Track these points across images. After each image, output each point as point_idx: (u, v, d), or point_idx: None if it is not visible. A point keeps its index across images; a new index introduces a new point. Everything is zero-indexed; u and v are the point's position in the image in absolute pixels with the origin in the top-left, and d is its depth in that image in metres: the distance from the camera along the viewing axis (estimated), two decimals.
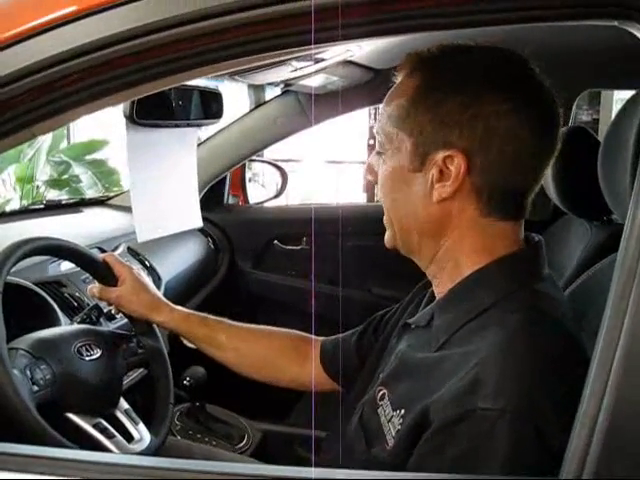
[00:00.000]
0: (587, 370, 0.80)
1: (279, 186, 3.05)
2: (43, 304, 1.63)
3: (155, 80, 0.91)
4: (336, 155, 6.25)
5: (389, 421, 1.04)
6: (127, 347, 1.52)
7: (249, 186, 3.09)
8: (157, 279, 2.17)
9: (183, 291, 2.37)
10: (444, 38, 1.08)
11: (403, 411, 1.02)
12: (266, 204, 3.10)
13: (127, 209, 2.35)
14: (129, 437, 1.42)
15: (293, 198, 4.31)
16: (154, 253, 2.24)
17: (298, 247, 2.84)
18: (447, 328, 1.06)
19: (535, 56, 1.08)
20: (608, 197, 1.10)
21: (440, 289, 1.13)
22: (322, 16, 0.79)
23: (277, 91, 2.75)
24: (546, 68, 1.07)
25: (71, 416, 1.34)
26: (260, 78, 2.05)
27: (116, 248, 2.13)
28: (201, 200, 1.90)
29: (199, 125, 1.91)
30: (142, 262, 2.17)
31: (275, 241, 2.86)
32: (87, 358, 1.40)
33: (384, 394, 1.10)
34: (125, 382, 1.56)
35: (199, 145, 2.22)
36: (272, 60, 1.49)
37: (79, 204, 2.73)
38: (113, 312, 1.61)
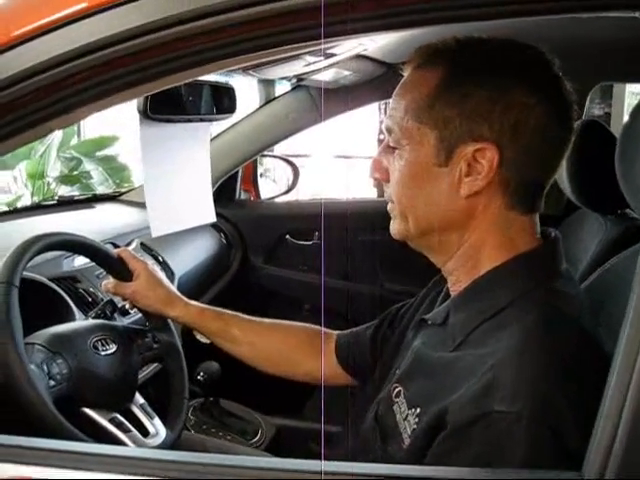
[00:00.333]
0: (604, 368, 0.79)
1: (290, 181, 3.04)
2: (58, 299, 1.63)
3: (167, 76, 0.91)
4: (346, 150, 6.23)
5: (405, 419, 1.04)
6: (142, 342, 1.53)
7: (261, 181, 3.09)
8: (170, 274, 2.18)
9: (196, 286, 2.37)
10: (455, 32, 1.07)
11: (419, 410, 1.01)
12: (277, 199, 3.10)
13: (139, 205, 2.37)
14: (145, 432, 1.43)
15: (303, 193, 4.30)
16: (167, 248, 2.25)
17: (310, 242, 2.84)
18: (463, 327, 1.05)
19: (547, 49, 1.08)
20: (626, 191, 1.09)
21: (456, 286, 1.12)
22: (332, 10, 0.79)
23: (286, 86, 2.74)
24: (559, 61, 1.07)
25: (87, 411, 1.35)
26: (273, 73, 2.04)
27: (129, 244, 2.13)
28: (213, 195, 1.89)
29: (212, 120, 1.91)
30: (155, 257, 2.17)
31: (287, 236, 2.86)
32: (103, 353, 1.40)
33: (400, 391, 1.10)
34: (140, 377, 1.56)
35: (211, 140, 2.21)
36: (285, 55, 1.49)
37: (91, 200, 2.73)
38: (127, 307, 1.61)
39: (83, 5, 0.86)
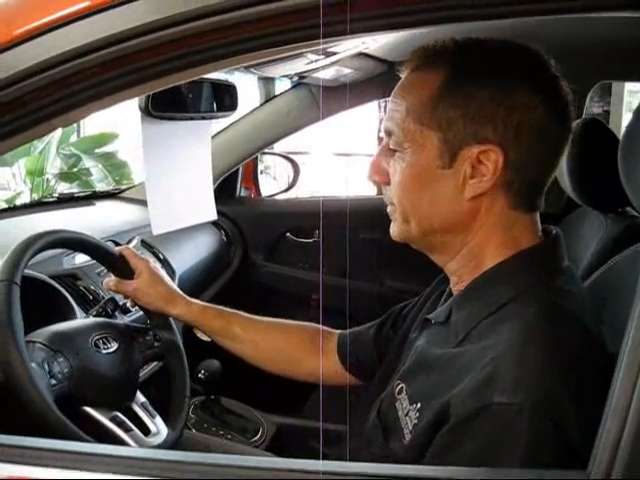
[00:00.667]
0: (605, 365, 0.80)
1: (291, 179, 3.05)
2: (58, 297, 1.63)
3: (168, 76, 0.91)
4: (346, 148, 6.23)
5: (406, 415, 1.04)
6: (143, 340, 1.52)
7: (261, 179, 3.10)
8: (171, 272, 2.17)
9: (196, 284, 2.37)
10: (454, 31, 1.07)
11: (419, 405, 1.02)
12: (278, 197, 3.10)
13: (140, 202, 2.37)
14: (146, 430, 1.43)
15: (303, 191, 4.30)
16: (167, 246, 2.24)
17: (310, 240, 2.84)
18: (465, 324, 1.05)
19: (547, 49, 1.08)
20: (629, 190, 1.09)
21: (459, 285, 1.13)
22: (333, 10, 0.79)
23: (287, 84, 2.74)
24: (559, 61, 1.07)
25: (88, 409, 1.35)
26: (275, 70, 2.04)
27: (130, 241, 2.12)
28: (214, 193, 1.89)
29: (213, 117, 1.90)
30: (156, 255, 2.17)
31: (287, 233, 2.85)
32: (104, 351, 1.40)
33: (402, 388, 1.10)
34: (141, 375, 1.56)
35: (211, 138, 2.21)
36: (289, 54, 1.49)
37: (91, 197, 2.73)
38: (129, 305, 1.61)
39: (85, 4, 0.86)
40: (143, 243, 2.16)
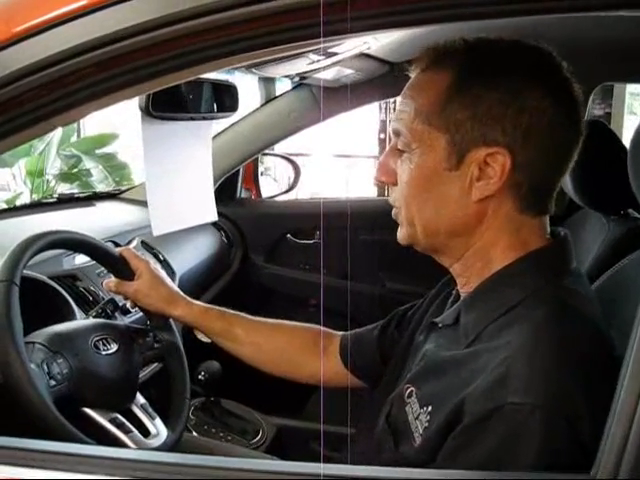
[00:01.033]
0: (616, 366, 0.79)
1: (291, 180, 3.04)
2: (58, 298, 1.62)
3: (167, 75, 0.91)
4: (346, 149, 6.24)
5: (416, 418, 1.03)
6: (143, 341, 1.52)
7: (262, 180, 3.09)
8: (171, 273, 2.17)
9: (196, 285, 2.36)
10: (458, 31, 1.06)
11: (430, 408, 1.01)
12: (278, 198, 3.09)
13: (140, 203, 2.36)
14: (146, 432, 1.42)
15: (304, 192, 4.30)
16: (168, 247, 2.24)
17: (311, 241, 2.84)
18: (475, 326, 1.04)
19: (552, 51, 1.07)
20: (638, 190, 1.08)
21: (466, 287, 1.12)
22: (334, 9, 0.78)
23: (287, 84, 2.74)
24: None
25: (88, 411, 1.34)
26: (276, 71, 2.04)
27: (130, 242, 2.12)
28: (214, 194, 1.89)
29: (214, 118, 1.90)
30: (156, 256, 2.16)
31: (288, 235, 2.85)
32: (104, 352, 1.39)
33: (412, 391, 1.09)
34: (141, 376, 1.55)
35: (212, 139, 2.21)
36: (288, 53, 1.48)
37: (91, 198, 2.72)
38: (129, 306, 1.60)
39: (83, 2, 0.85)
40: (143, 244, 2.15)
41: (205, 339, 1.59)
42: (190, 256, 2.41)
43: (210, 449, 1.77)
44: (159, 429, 1.45)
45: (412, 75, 1.11)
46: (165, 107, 1.62)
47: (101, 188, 5.28)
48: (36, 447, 0.93)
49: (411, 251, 1.15)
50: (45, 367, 1.28)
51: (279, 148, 3.38)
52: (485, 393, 0.91)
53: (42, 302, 1.53)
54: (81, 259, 1.84)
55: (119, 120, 6.12)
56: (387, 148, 1.14)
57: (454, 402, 0.95)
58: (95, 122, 6.55)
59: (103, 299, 1.71)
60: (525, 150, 1.01)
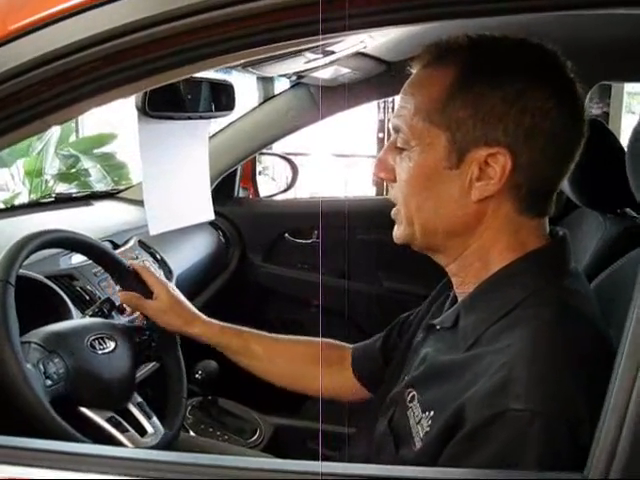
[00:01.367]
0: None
1: (289, 179, 3.04)
2: (55, 297, 1.62)
3: (164, 72, 0.90)
4: (344, 148, 6.23)
5: (418, 423, 1.02)
6: (140, 340, 1.52)
7: (259, 179, 3.09)
8: (168, 272, 2.17)
9: (194, 284, 2.37)
10: (455, 29, 1.06)
11: (432, 413, 1.00)
12: (276, 197, 3.09)
13: (137, 202, 2.36)
14: (143, 431, 1.42)
15: (302, 192, 4.30)
16: (165, 246, 2.24)
17: (309, 240, 2.83)
18: (474, 328, 1.03)
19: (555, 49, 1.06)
20: (636, 189, 1.08)
21: (463, 288, 1.11)
22: (333, 5, 0.78)
23: (285, 83, 2.74)
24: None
25: (84, 410, 1.34)
26: (273, 70, 2.03)
27: (127, 241, 2.12)
28: (212, 193, 1.89)
29: (211, 117, 1.89)
30: (153, 255, 2.16)
31: (286, 234, 2.85)
32: (100, 352, 1.39)
33: (413, 396, 1.08)
34: (138, 375, 1.56)
35: (210, 138, 2.20)
36: (285, 51, 1.48)
37: (89, 197, 2.72)
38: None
39: (77, 0, 0.85)
40: (140, 243, 2.15)
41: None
42: (188, 255, 2.41)
43: (207, 448, 1.77)
44: (156, 428, 1.45)
45: (413, 71, 1.09)
46: (162, 106, 1.61)
47: (100, 188, 5.27)
48: (33, 446, 0.93)
49: (409, 250, 1.14)
50: (41, 367, 1.27)
51: (277, 148, 3.38)
52: (486, 398, 0.90)
53: (39, 301, 1.53)
54: (78, 258, 1.84)
55: (117, 120, 6.12)
56: (386, 144, 1.12)
57: (454, 407, 0.94)
58: (93, 122, 6.55)
59: (100, 298, 1.70)
60: (527, 151, 1.00)
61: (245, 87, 3.29)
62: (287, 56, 1.76)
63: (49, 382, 1.27)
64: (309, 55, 1.84)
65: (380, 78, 2.45)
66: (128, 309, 1.66)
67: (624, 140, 1.28)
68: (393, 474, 0.90)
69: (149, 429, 1.43)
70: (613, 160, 1.36)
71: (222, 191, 2.78)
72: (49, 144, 5.54)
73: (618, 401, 0.73)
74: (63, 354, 1.32)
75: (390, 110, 5.08)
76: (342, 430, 1.43)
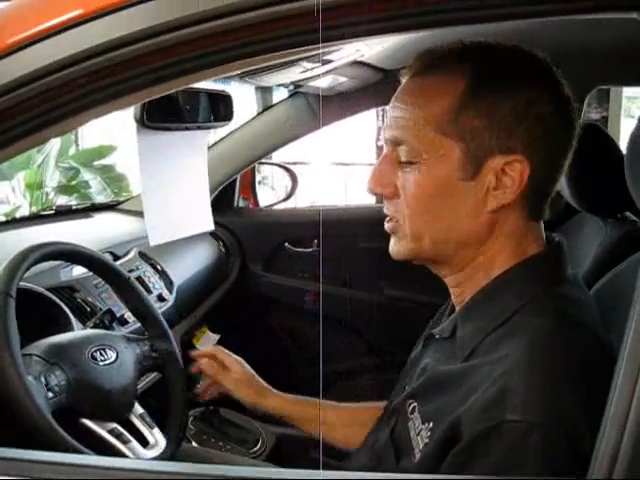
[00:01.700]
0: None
1: (289, 189, 3.04)
2: (55, 309, 1.62)
3: (162, 83, 0.90)
4: (343, 157, 6.24)
5: (418, 434, 1.02)
6: (141, 351, 1.52)
7: (259, 189, 3.09)
8: (169, 283, 2.17)
9: (195, 295, 2.36)
10: (452, 36, 1.06)
11: (431, 424, 0.99)
12: (276, 207, 3.09)
13: (137, 214, 2.36)
14: (144, 442, 1.42)
15: (302, 201, 4.30)
16: (165, 257, 2.24)
17: (309, 249, 2.83)
18: (471, 338, 1.03)
19: (547, 54, 1.07)
20: (636, 194, 1.08)
21: (461, 297, 1.10)
22: (330, 14, 0.78)
23: (284, 93, 2.74)
24: (558, 65, 1.06)
25: (86, 422, 1.34)
26: (270, 79, 2.03)
27: (127, 252, 2.12)
28: (211, 203, 1.89)
29: (209, 128, 1.90)
30: (154, 266, 2.16)
31: (286, 244, 2.84)
32: (101, 363, 1.39)
33: (414, 407, 1.07)
34: (139, 386, 1.56)
35: (209, 148, 2.21)
36: (282, 60, 1.48)
37: (89, 209, 2.72)
38: (126, 316, 1.60)
39: (78, 12, 0.85)
40: (141, 254, 2.15)
41: (204, 349, 1.60)
42: (188, 266, 2.41)
43: (209, 459, 1.77)
44: (158, 439, 1.45)
45: (404, 79, 1.07)
46: (160, 117, 1.61)
47: (100, 200, 5.27)
48: (35, 458, 0.93)
49: None
50: (43, 379, 1.27)
51: (277, 157, 3.39)
52: (483, 410, 0.89)
53: (40, 314, 1.53)
54: (78, 270, 1.84)
55: (117, 132, 6.13)
56: (381, 157, 1.09)
57: (451, 419, 0.93)
58: (93, 134, 6.56)
59: (101, 310, 1.71)
60: (539, 157, 1.00)
61: (244, 97, 3.30)
62: (285, 65, 1.77)
63: (51, 394, 1.27)
64: (307, 64, 1.85)
65: (378, 86, 2.46)
66: (130, 320, 1.67)
67: (623, 144, 1.28)
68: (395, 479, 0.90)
69: (151, 440, 1.44)
70: (612, 164, 1.36)
71: (222, 201, 2.78)
72: (49, 157, 5.55)
73: (619, 403, 0.73)
74: (64, 366, 1.32)
75: None
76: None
